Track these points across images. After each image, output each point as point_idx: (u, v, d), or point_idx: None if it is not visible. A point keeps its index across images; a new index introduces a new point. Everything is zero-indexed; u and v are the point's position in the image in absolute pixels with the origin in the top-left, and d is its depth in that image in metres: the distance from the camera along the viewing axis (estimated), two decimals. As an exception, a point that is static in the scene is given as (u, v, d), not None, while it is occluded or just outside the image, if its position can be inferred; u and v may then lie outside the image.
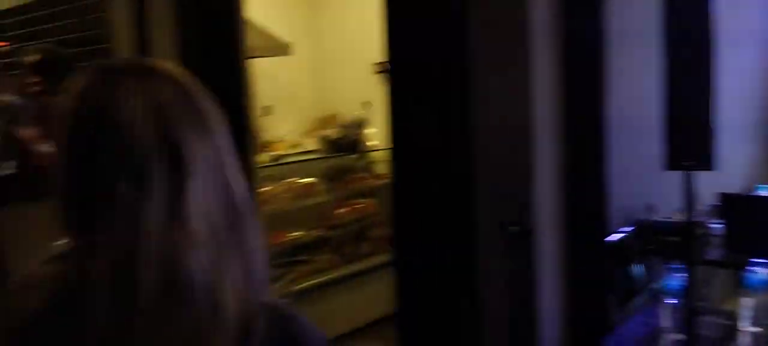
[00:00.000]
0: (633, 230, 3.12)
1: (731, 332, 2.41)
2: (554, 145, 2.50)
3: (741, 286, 2.41)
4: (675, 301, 2.34)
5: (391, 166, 2.88)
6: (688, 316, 2.29)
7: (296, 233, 4.50)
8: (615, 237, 2.99)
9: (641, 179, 3.08)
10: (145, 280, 0.77)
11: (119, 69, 0.87)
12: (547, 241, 2.51)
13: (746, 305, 2.39)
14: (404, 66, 2.67)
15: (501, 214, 2.32)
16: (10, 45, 3.99)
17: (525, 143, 2.39)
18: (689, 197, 2.22)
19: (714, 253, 3.15)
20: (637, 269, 3.06)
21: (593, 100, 2.50)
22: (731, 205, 3.09)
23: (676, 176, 2.31)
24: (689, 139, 2.13)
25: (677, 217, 2.54)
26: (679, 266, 2.30)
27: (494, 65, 2.44)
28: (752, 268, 2.37)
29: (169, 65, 0.90)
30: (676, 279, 2.32)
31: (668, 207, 2.68)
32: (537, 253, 2.41)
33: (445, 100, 2.57)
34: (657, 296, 2.64)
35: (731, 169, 3.38)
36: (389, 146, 2.84)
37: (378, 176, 5.04)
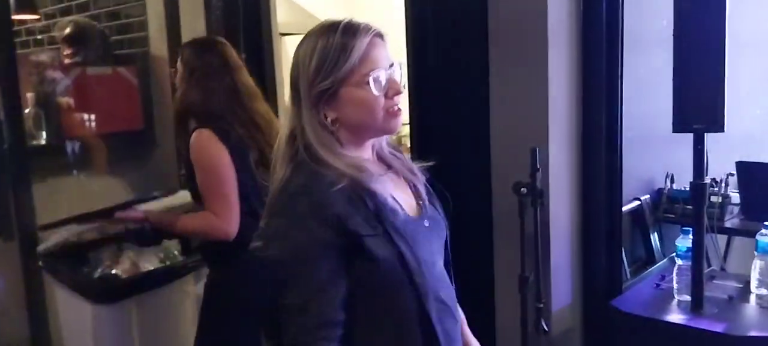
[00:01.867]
0: (651, 198, 3.14)
1: (742, 294, 2.42)
2: (570, 112, 2.53)
3: (756, 251, 2.41)
4: (686, 264, 2.35)
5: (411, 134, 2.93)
6: (696, 278, 2.30)
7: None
8: (633, 204, 3.01)
9: (663, 151, 3.09)
10: None
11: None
12: (561, 204, 2.54)
13: (756, 267, 2.39)
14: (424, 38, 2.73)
15: (515, 176, 2.36)
16: (42, 19, 4.09)
17: (542, 108, 2.42)
18: (699, 160, 2.23)
19: (732, 221, 3.16)
20: (654, 236, 3.08)
21: (611, 68, 2.52)
22: (747, 172, 3.09)
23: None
24: (698, 100, 2.13)
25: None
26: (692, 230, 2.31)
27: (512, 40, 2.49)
28: (764, 231, 2.37)
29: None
30: (688, 242, 2.33)
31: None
32: (548, 215, 2.45)
33: (465, 74, 2.64)
34: (671, 261, 2.65)
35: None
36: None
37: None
